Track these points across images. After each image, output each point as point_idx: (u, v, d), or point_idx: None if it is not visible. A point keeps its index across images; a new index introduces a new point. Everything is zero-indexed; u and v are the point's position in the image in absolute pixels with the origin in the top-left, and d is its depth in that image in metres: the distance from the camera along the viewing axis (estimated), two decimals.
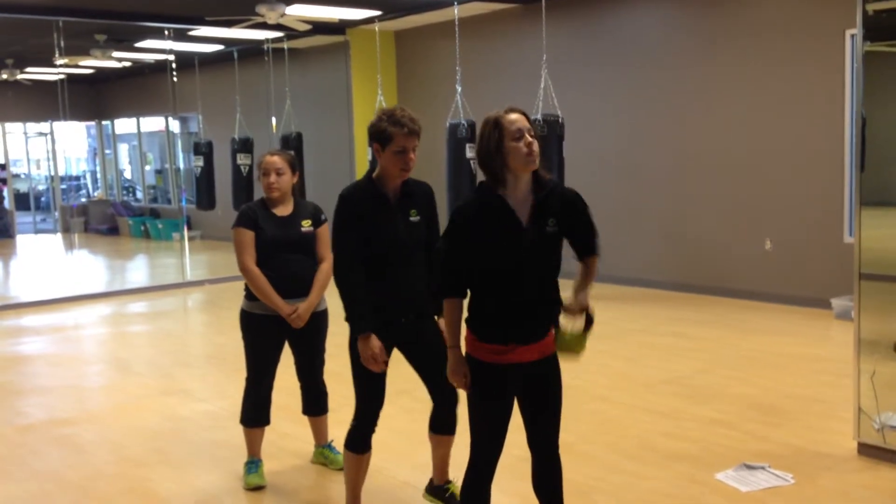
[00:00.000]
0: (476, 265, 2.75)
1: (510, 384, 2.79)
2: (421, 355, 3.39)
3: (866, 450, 4.09)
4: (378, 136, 3.18)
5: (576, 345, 2.81)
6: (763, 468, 3.97)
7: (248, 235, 3.84)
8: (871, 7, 3.97)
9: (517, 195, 2.75)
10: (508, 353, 2.74)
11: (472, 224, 2.74)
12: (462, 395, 3.01)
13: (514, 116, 2.74)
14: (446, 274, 2.81)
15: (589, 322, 2.80)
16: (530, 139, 2.72)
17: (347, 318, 3.24)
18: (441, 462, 3.59)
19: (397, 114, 3.17)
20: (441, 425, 3.49)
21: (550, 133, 7.76)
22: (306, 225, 3.93)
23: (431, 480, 3.66)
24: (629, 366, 5.96)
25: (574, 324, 2.80)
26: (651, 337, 6.86)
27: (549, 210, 2.76)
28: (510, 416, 2.84)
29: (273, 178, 3.86)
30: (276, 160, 3.89)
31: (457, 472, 3.62)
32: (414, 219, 3.29)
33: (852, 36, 7.09)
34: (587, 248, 2.85)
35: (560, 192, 2.81)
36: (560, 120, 7.91)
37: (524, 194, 2.76)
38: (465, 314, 2.83)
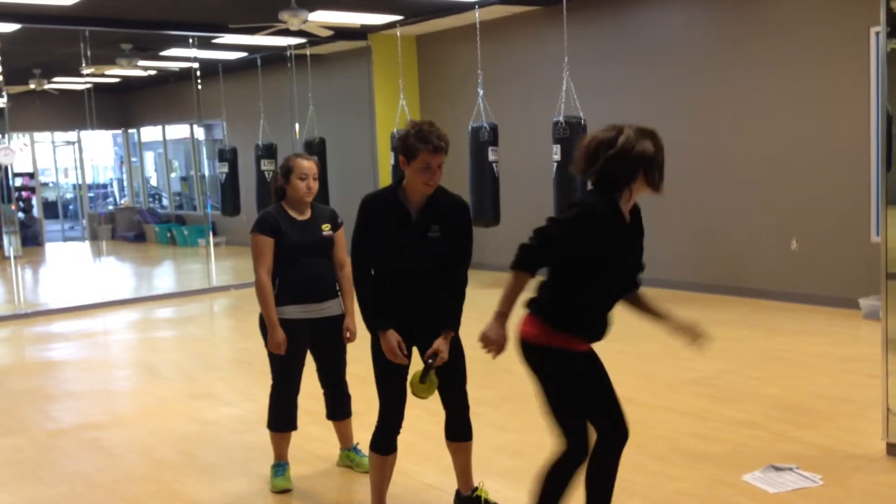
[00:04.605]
0: (585, 266, 2.80)
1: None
2: None
3: (895, 450, 4.05)
4: (404, 149, 3.17)
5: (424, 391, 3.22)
6: (791, 469, 3.94)
7: (268, 243, 3.86)
8: (895, 5, 3.93)
9: (628, 206, 2.88)
10: (578, 344, 2.92)
11: (594, 229, 2.76)
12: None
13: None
14: (539, 254, 2.75)
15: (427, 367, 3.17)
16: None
17: (364, 319, 3.27)
18: (463, 471, 3.57)
19: (425, 129, 3.14)
20: (456, 433, 3.48)
21: (573, 135, 7.76)
22: (326, 229, 3.97)
23: (458, 492, 3.63)
24: (654, 366, 5.94)
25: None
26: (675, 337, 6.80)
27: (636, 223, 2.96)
28: None
29: (311, 182, 3.91)
30: (314, 166, 3.94)
31: (484, 476, 3.63)
32: (433, 235, 3.23)
33: (877, 33, 7.02)
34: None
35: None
36: (582, 122, 7.90)
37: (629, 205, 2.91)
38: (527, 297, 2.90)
